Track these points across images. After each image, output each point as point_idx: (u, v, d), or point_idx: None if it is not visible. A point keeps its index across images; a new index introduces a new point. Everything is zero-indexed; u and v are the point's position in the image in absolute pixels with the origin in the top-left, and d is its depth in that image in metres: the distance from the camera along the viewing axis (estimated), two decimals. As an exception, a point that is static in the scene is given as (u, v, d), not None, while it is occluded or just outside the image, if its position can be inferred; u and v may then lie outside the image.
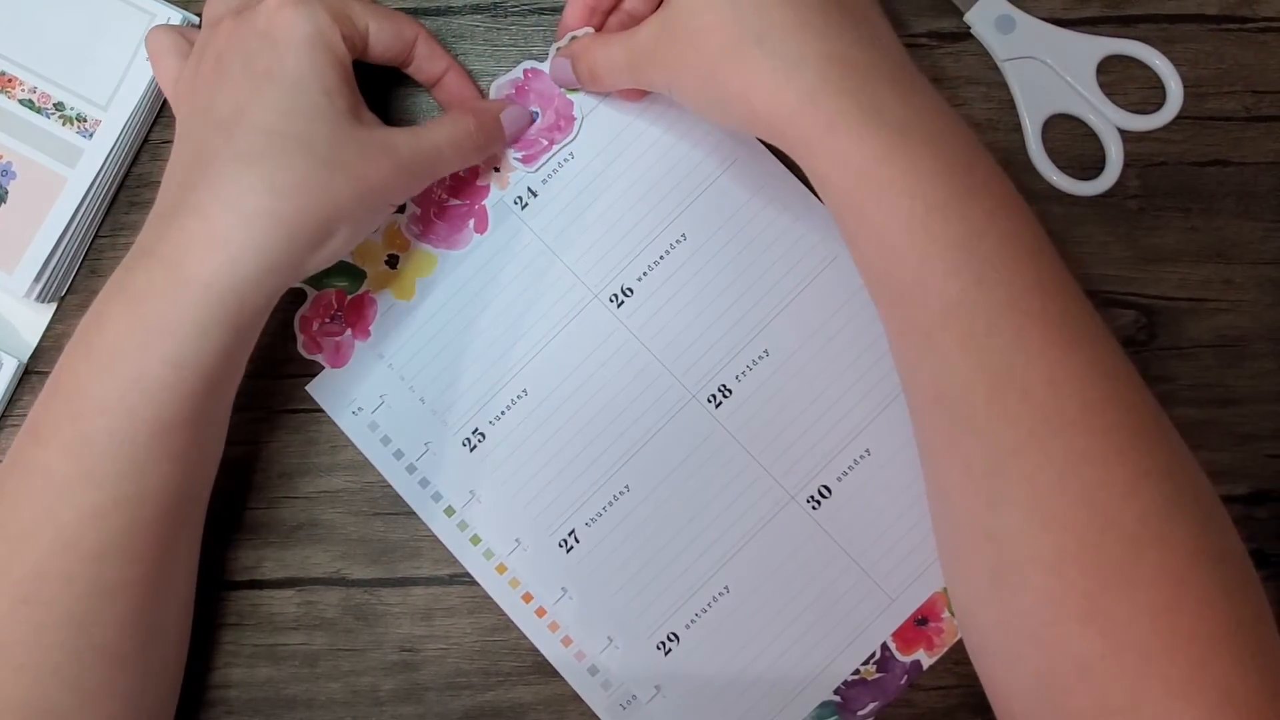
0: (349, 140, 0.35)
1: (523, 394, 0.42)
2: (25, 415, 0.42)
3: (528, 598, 0.41)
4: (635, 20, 0.39)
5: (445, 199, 0.43)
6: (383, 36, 0.39)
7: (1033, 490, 0.30)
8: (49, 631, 0.33)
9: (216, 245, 0.33)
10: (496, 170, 0.43)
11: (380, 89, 0.43)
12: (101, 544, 0.33)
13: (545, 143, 0.43)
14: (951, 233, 0.31)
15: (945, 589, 0.41)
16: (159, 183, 0.43)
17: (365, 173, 0.36)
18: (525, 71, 0.43)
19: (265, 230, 0.33)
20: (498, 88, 0.43)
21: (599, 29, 0.41)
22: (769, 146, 0.42)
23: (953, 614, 0.41)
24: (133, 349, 0.33)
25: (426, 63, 0.41)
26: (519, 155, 0.43)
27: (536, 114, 0.43)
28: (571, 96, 0.43)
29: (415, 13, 0.43)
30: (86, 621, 0.34)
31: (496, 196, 0.43)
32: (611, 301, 0.42)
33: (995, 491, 0.31)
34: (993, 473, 0.31)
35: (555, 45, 0.42)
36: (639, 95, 0.42)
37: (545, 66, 0.43)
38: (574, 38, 0.41)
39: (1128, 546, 0.29)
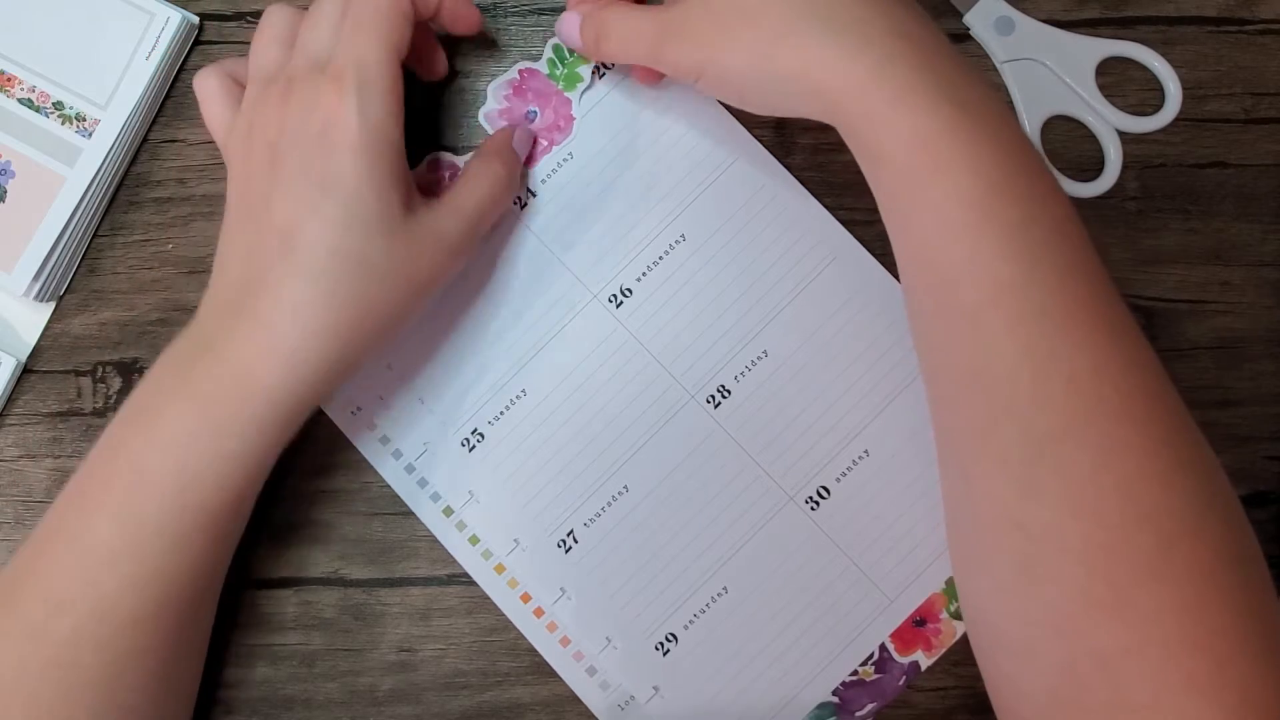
0: (403, 243, 0.35)
1: (522, 394, 0.42)
2: (23, 414, 0.43)
3: (526, 598, 0.41)
4: None
5: (444, 199, 0.43)
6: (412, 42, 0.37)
7: (1067, 479, 0.30)
8: (77, 692, 0.34)
9: (282, 357, 0.34)
10: (495, 170, 0.43)
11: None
12: (137, 612, 0.34)
13: (544, 143, 0.43)
14: (1009, 214, 0.31)
15: (944, 589, 0.41)
16: (158, 182, 0.43)
17: (420, 274, 0.36)
18: (520, 71, 0.43)
19: (327, 344, 0.34)
20: (495, 89, 0.43)
21: None
22: (768, 147, 0.42)
23: (951, 615, 0.41)
24: (195, 442, 0.34)
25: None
26: (518, 155, 0.43)
27: (535, 113, 0.43)
28: (570, 95, 0.43)
29: (415, 13, 0.43)
30: (114, 685, 0.34)
31: (495, 196, 0.43)
32: (611, 302, 0.42)
33: (1030, 480, 0.31)
34: (1029, 460, 0.31)
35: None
36: (654, 78, 0.41)
37: (541, 66, 0.43)
38: None
39: (1160, 540, 0.29)
